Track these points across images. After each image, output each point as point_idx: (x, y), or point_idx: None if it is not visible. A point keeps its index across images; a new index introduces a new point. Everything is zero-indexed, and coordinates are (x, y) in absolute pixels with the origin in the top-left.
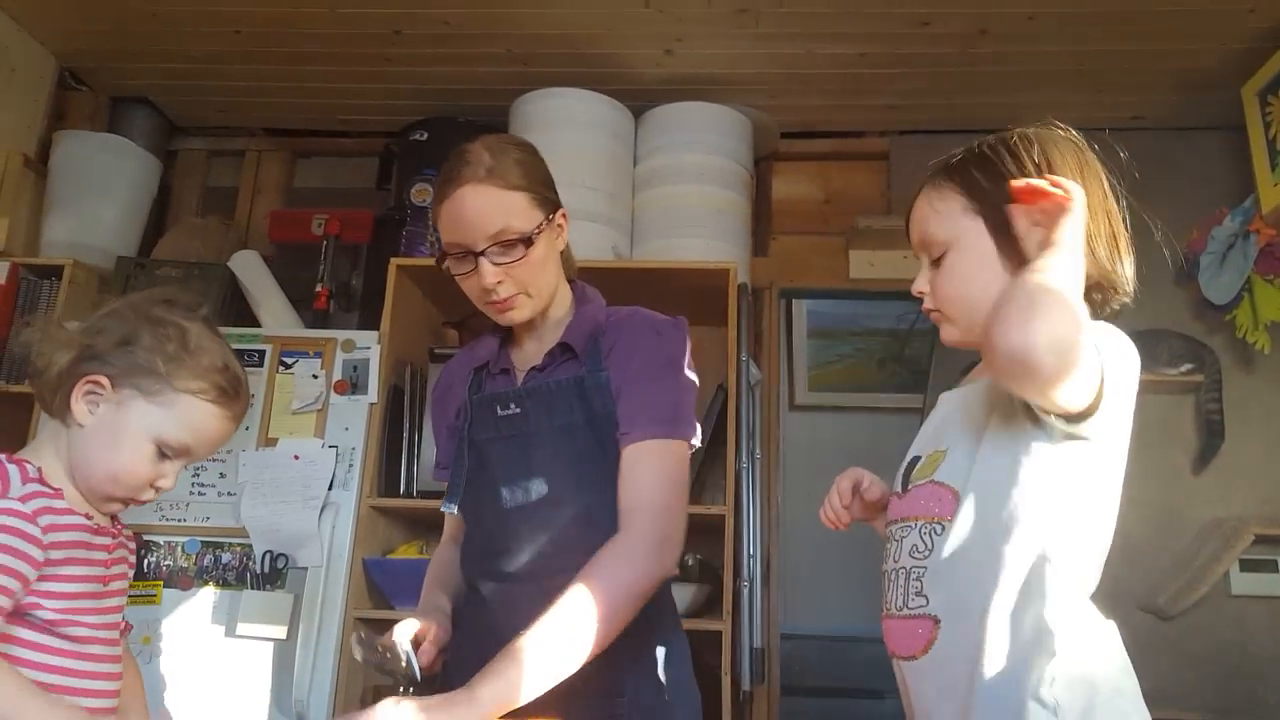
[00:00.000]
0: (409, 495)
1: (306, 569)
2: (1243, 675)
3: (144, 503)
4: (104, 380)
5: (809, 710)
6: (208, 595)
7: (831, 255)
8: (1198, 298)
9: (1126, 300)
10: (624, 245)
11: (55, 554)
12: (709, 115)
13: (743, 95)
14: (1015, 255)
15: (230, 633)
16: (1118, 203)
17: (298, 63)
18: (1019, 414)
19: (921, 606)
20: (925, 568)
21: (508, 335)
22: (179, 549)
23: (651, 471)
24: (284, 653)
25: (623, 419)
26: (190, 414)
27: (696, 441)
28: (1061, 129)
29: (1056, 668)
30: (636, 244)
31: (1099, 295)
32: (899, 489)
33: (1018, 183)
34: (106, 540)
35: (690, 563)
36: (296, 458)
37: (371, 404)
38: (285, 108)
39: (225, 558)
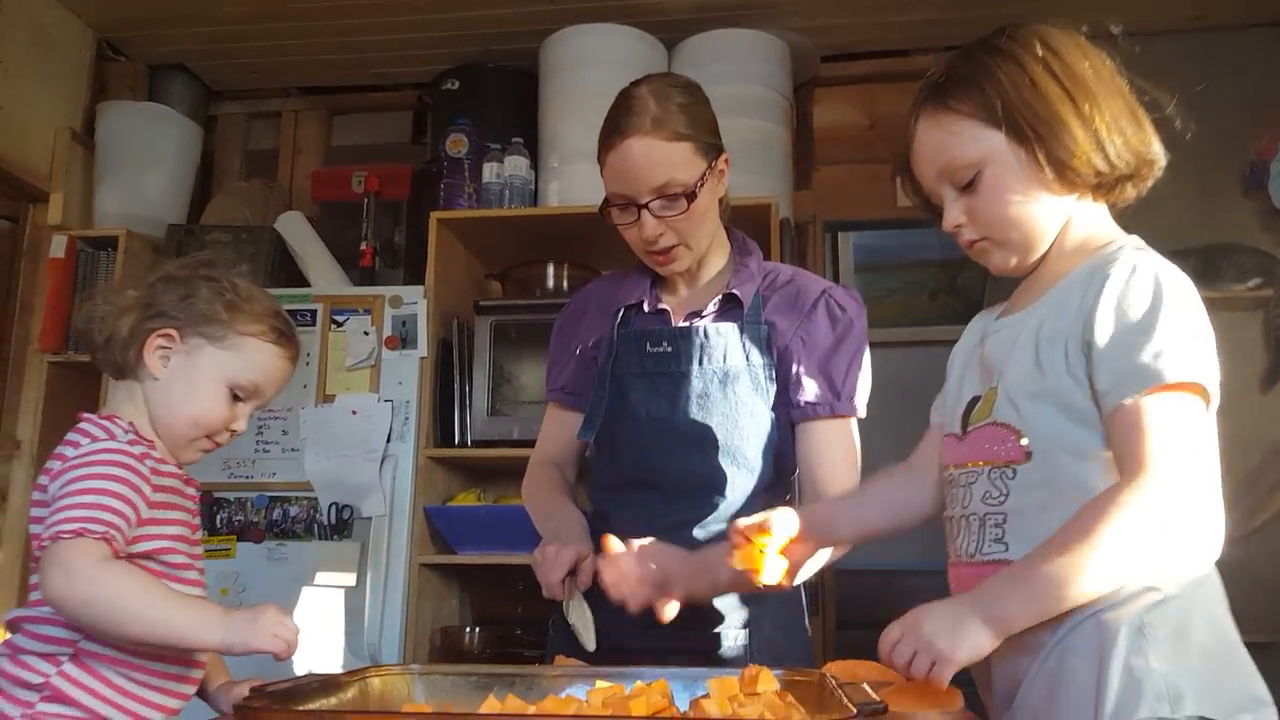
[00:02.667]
0: (464, 445)
1: (371, 519)
2: None
3: (222, 445)
4: (173, 332)
5: (866, 642)
6: (279, 547)
7: (877, 184)
8: (1267, 207)
9: (1159, 173)
10: None
11: (159, 497)
12: (744, 42)
13: (778, 18)
14: (1053, 163)
15: (302, 582)
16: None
17: (326, 18)
18: (1084, 396)
19: (1001, 553)
20: (1004, 514)
21: (659, 278)
22: (248, 504)
23: (844, 451)
24: (354, 599)
25: (810, 391)
26: (254, 355)
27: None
28: (1051, 22)
29: (1148, 598)
30: None
31: (1136, 178)
32: (958, 430)
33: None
34: (194, 491)
35: None
36: (354, 413)
37: (422, 358)
38: (318, 66)
39: (293, 511)
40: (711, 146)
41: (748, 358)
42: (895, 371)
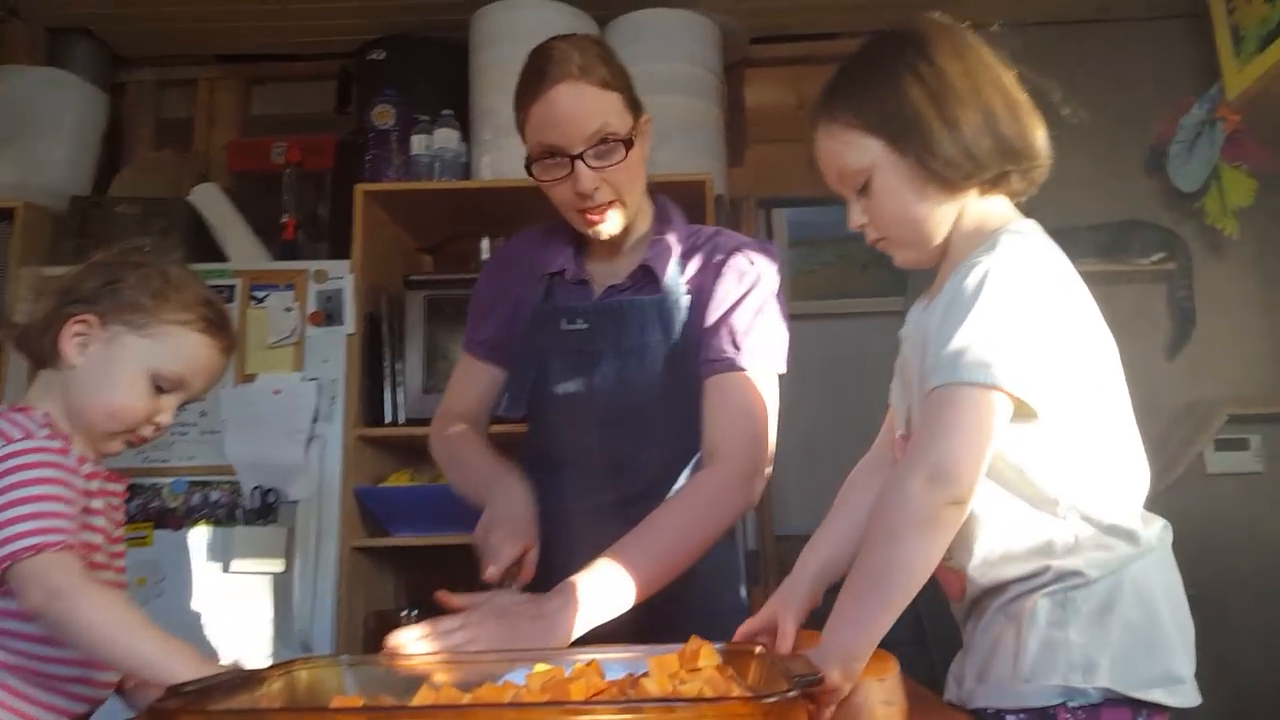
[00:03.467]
0: (394, 424)
1: (298, 502)
2: (1219, 550)
3: (146, 440)
4: (91, 318)
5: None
6: (200, 534)
7: (808, 162)
8: (1167, 187)
9: (1045, 167)
10: None
11: (87, 485)
12: (676, 21)
13: (708, 0)
14: (927, 168)
15: (226, 569)
16: (1013, 75)
17: None
18: None
19: (950, 559)
20: None
21: (582, 244)
22: (165, 490)
23: (741, 402)
24: (282, 585)
25: (710, 347)
26: (181, 344)
27: (783, 369)
28: (929, 17)
29: (1073, 580)
30: None
31: (1020, 171)
32: (904, 430)
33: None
34: (118, 487)
35: None
36: (277, 392)
37: (349, 334)
38: (236, 33)
39: (214, 495)
40: (637, 102)
41: (665, 331)
42: (831, 342)
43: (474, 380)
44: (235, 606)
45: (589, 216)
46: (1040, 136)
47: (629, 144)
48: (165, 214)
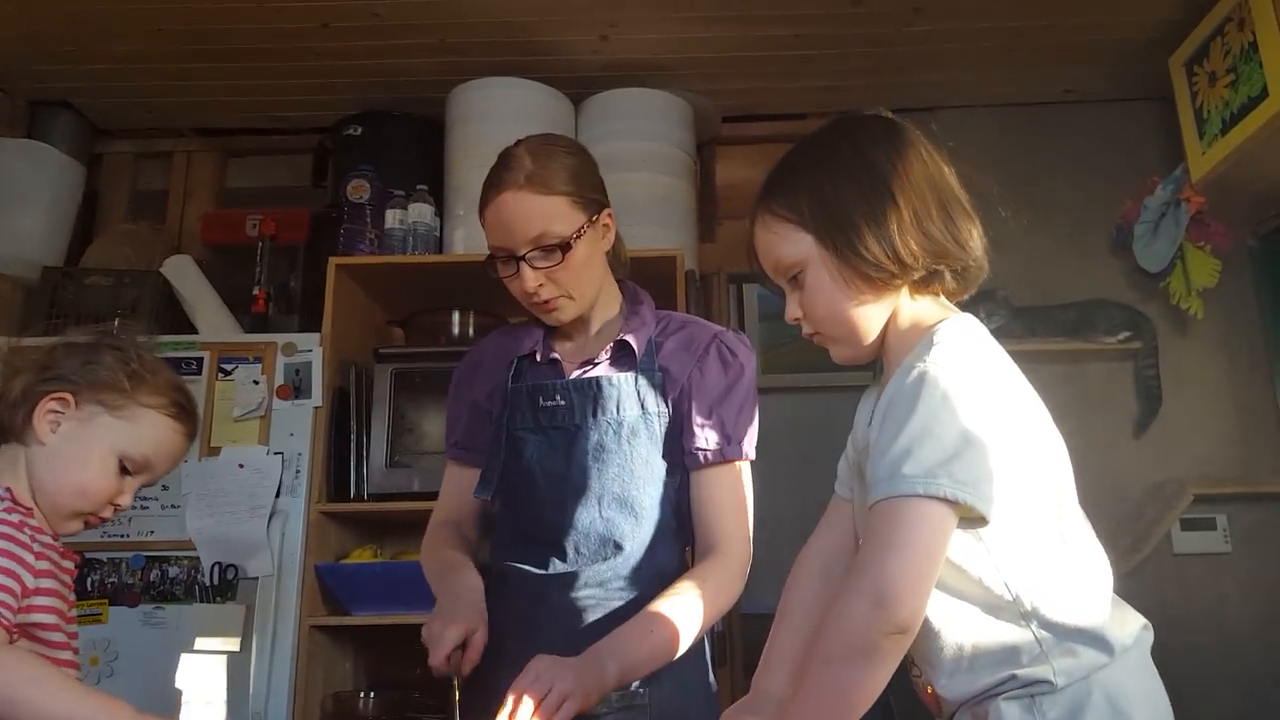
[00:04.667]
0: (359, 499)
1: (257, 579)
2: (1183, 629)
3: (105, 520)
4: (68, 396)
5: None
6: (156, 611)
7: (748, 250)
8: (1133, 266)
9: (983, 269)
10: None
11: (39, 565)
12: (649, 101)
13: (681, 80)
14: (853, 266)
15: (182, 648)
16: (951, 173)
17: (224, 59)
18: None
19: (919, 676)
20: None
21: (551, 328)
22: (123, 565)
23: (736, 496)
24: (238, 664)
25: (700, 437)
26: (152, 429)
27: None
28: (872, 111)
29: (1041, 687)
30: None
31: (951, 271)
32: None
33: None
34: (70, 565)
35: None
36: (241, 466)
37: (316, 407)
38: (214, 106)
39: (173, 571)
40: (592, 201)
41: (643, 406)
42: (797, 416)
43: (456, 487)
44: (190, 687)
45: (539, 309)
46: (974, 235)
47: (568, 247)
48: (137, 285)
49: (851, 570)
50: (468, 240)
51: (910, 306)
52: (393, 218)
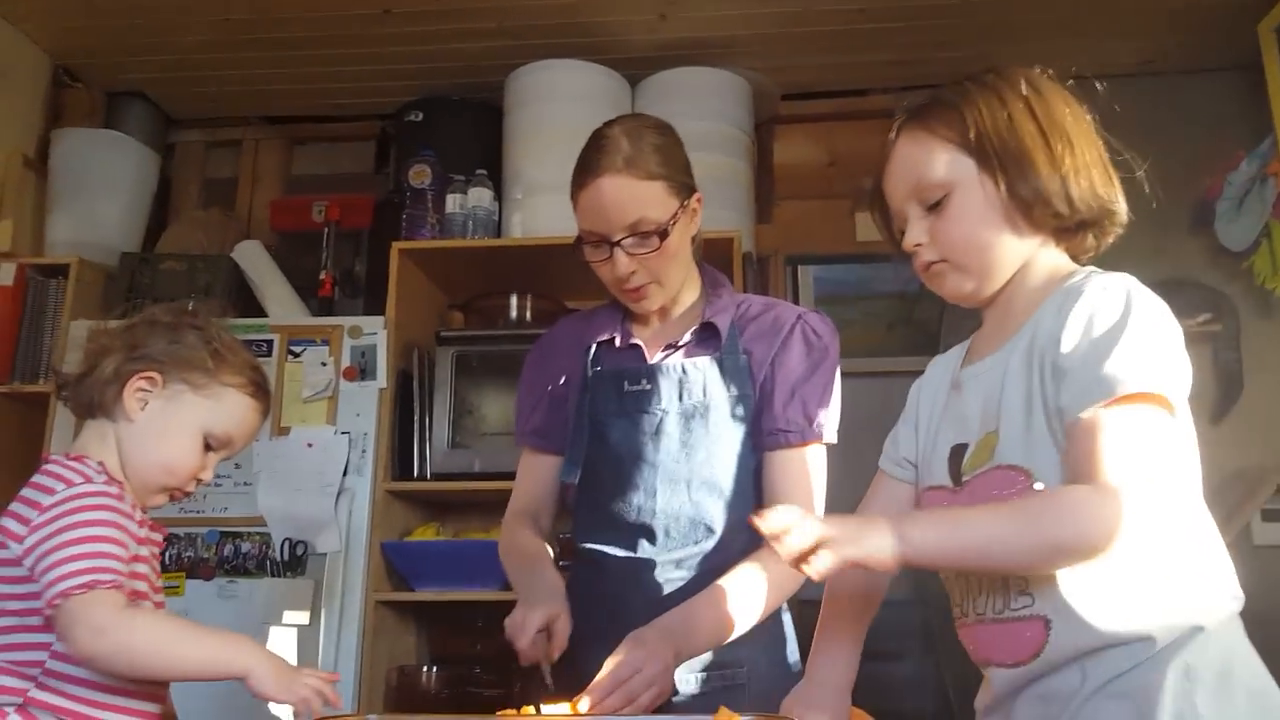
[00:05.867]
0: (423, 478)
1: (326, 555)
2: (1262, 623)
3: (188, 495)
4: (156, 375)
5: None
6: (230, 585)
7: (837, 219)
8: (1214, 245)
9: (1117, 233)
10: None
11: (141, 533)
12: (706, 80)
13: (740, 58)
14: (1018, 198)
15: (255, 620)
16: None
17: (288, 48)
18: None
19: (1026, 606)
20: None
21: (629, 312)
22: (199, 540)
23: (810, 478)
24: (307, 638)
25: (780, 418)
26: (233, 407)
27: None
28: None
29: (1194, 639)
30: None
31: (1098, 228)
32: (947, 481)
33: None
34: (158, 537)
35: None
36: (310, 445)
37: (381, 389)
38: (279, 95)
39: (245, 547)
40: (684, 186)
41: (727, 390)
42: (854, 401)
43: (532, 475)
44: None
45: (629, 295)
46: (1122, 202)
47: (664, 234)
48: (210, 270)
49: (1086, 472)
50: (525, 224)
51: (1047, 255)
52: (453, 202)
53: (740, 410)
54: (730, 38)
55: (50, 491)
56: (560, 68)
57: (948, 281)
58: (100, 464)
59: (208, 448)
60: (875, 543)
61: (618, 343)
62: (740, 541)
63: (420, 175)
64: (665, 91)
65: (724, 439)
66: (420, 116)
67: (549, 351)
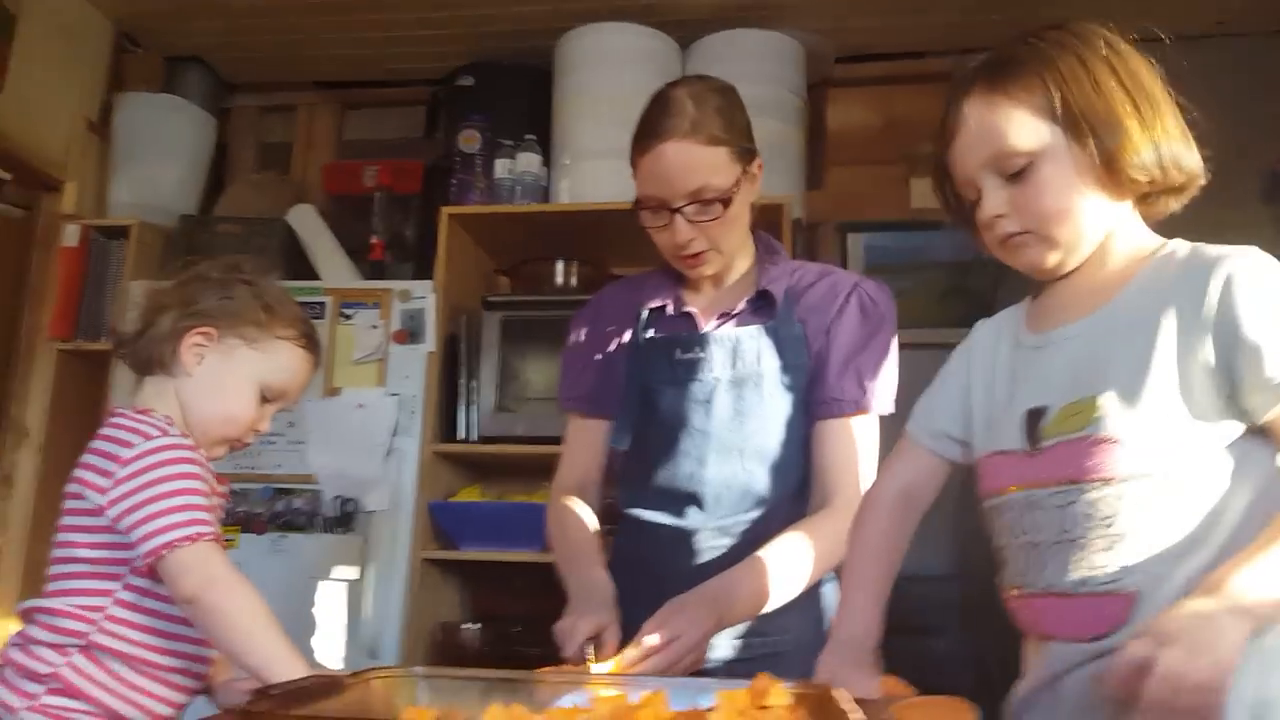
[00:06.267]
0: (468, 440)
1: (374, 513)
2: None
3: (247, 445)
4: (212, 330)
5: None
6: (282, 539)
7: (891, 185)
8: None
9: (1197, 191)
10: None
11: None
12: (758, 42)
13: (793, 18)
14: (1110, 165)
15: (305, 574)
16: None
17: (340, 12)
18: (1212, 398)
19: (1115, 580)
20: (1120, 535)
21: (682, 278)
22: (252, 495)
23: (860, 448)
24: (356, 593)
25: (834, 386)
26: (287, 359)
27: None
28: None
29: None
30: None
31: (1182, 195)
32: (1022, 445)
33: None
34: (224, 489)
35: None
36: (360, 406)
37: (429, 352)
38: (332, 60)
39: (296, 503)
40: (746, 151)
41: (781, 359)
42: (905, 373)
43: (581, 442)
44: (311, 611)
45: (686, 262)
46: (1201, 164)
47: (728, 201)
48: (264, 233)
49: None
50: (572, 190)
51: (1133, 223)
52: (502, 167)
53: (793, 380)
54: None
55: (127, 445)
56: (611, 30)
57: (1030, 253)
58: (167, 418)
59: (264, 399)
60: (1231, 640)
61: (670, 310)
62: (793, 511)
63: (470, 140)
64: (716, 54)
65: (777, 408)
66: (470, 81)
67: (597, 317)
